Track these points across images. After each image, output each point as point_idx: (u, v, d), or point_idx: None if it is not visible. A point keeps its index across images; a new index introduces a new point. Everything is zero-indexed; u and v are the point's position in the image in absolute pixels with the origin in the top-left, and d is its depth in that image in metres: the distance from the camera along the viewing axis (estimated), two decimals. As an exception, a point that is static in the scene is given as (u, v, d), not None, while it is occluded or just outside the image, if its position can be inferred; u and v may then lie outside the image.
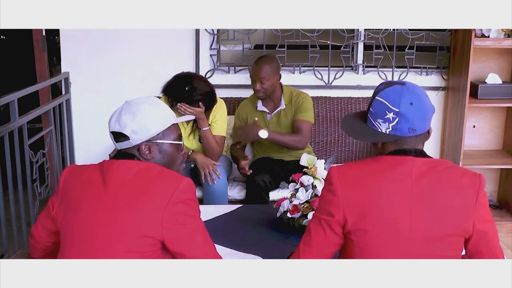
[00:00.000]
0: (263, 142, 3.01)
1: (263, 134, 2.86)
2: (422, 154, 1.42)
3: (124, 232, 1.39)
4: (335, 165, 1.54)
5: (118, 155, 1.54)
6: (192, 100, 2.79)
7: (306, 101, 3.06)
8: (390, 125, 1.39)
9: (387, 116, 1.39)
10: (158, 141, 1.55)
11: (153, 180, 1.44)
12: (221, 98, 3.07)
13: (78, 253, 1.43)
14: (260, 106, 3.09)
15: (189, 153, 2.92)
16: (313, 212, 1.56)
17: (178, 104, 2.79)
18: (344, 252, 1.46)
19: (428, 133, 1.45)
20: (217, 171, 2.86)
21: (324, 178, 2.07)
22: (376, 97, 1.42)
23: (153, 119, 1.54)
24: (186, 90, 2.79)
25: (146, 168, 1.47)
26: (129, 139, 1.51)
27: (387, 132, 1.41)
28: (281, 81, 3.10)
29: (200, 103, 2.81)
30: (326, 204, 1.43)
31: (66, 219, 1.47)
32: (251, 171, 2.94)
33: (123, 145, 1.52)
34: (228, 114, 3.10)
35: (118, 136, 1.52)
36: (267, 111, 3.09)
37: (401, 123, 1.38)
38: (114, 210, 1.41)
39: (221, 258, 1.55)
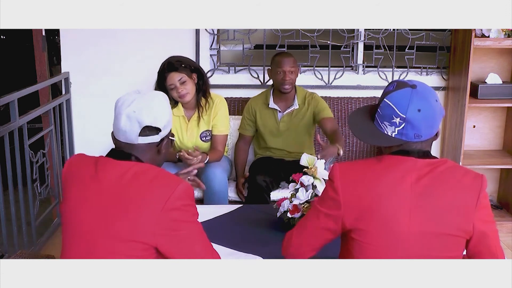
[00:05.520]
0: (266, 142, 3.11)
1: (341, 151, 2.74)
2: (425, 155, 1.41)
3: (119, 236, 1.38)
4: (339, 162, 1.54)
5: (114, 153, 1.49)
6: (179, 68, 2.74)
7: (322, 100, 3.10)
8: (396, 129, 1.39)
9: (394, 120, 1.38)
10: (170, 137, 1.58)
11: (149, 184, 1.40)
12: (224, 99, 3.05)
13: (76, 254, 1.43)
14: (272, 103, 3.08)
15: (179, 154, 2.77)
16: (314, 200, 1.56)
17: (180, 153, 2.71)
18: (344, 250, 1.47)
19: (436, 135, 1.44)
20: (195, 153, 2.76)
21: (324, 178, 2.08)
22: (385, 99, 1.40)
23: (170, 112, 1.56)
24: (167, 61, 2.77)
25: (142, 171, 1.43)
26: (158, 133, 1.50)
27: (393, 136, 1.40)
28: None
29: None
30: (328, 199, 1.43)
31: (64, 216, 1.47)
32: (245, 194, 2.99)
33: (146, 139, 1.48)
34: (229, 114, 3.09)
35: (145, 130, 1.47)
36: (279, 109, 3.09)
37: (407, 129, 1.37)
38: (109, 214, 1.39)
39: (219, 258, 1.54)
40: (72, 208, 1.45)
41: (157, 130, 1.50)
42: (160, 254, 1.42)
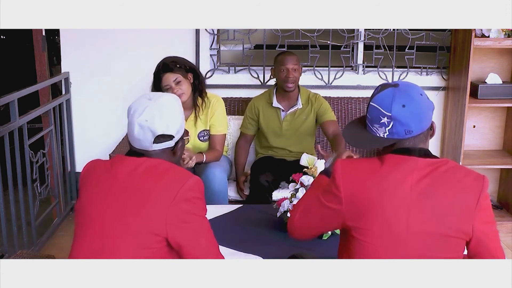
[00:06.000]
0: (268, 141, 3.12)
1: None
2: (426, 154, 1.41)
3: (132, 228, 1.41)
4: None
5: (130, 153, 1.54)
6: (174, 68, 2.74)
7: (325, 101, 3.11)
8: (387, 129, 1.40)
9: (382, 121, 1.40)
10: (184, 137, 1.60)
11: (161, 176, 1.44)
12: (221, 98, 3.05)
13: (89, 246, 1.45)
14: (276, 102, 3.08)
15: None
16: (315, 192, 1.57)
17: None
18: (344, 246, 1.48)
19: (431, 129, 1.45)
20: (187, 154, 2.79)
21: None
22: (370, 103, 1.44)
23: (182, 115, 1.57)
24: (162, 62, 2.76)
25: (155, 165, 1.47)
26: (171, 139, 1.52)
27: (385, 136, 1.42)
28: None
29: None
30: (330, 194, 1.44)
31: (78, 210, 1.50)
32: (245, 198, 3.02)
33: (160, 146, 1.50)
34: (228, 114, 3.09)
35: (158, 137, 1.49)
36: (282, 108, 3.09)
37: (396, 127, 1.39)
38: (123, 206, 1.42)
39: (223, 258, 1.55)
40: (87, 200, 1.49)
41: (170, 137, 1.52)
42: (170, 247, 1.44)
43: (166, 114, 1.49)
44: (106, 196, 1.45)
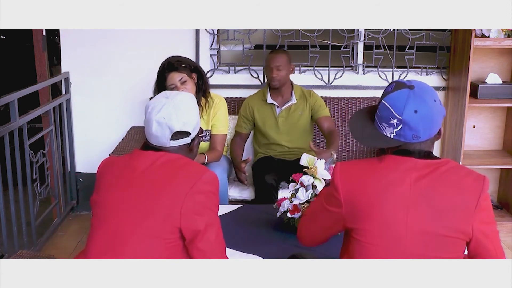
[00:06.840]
0: (267, 138, 3.14)
1: (334, 156, 2.70)
2: (426, 155, 1.40)
3: (147, 218, 1.43)
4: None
5: (147, 148, 1.56)
6: (179, 68, 2.73)
7: (319, 97, 3.17)
8: (394, 130, 1.39)
9: (391, 121, 1.38)
10: (200, 134, 1.64)
11: (179, 169, 1.48)
12: (224, 98, 3.05)
13: (104, 237, 1.47)
14: (270, 99, 3.12)
15: None
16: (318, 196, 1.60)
17: None
18: (345, 248, 1.48)
19: (438, 134, 1.43)
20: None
21: (324, 178, 2.08)
22: (383, 100, 1.41)
23: (198, 113, 1.61)
24: (167, 61, 2.76)
25: (173, 159, 1.51)
26: (188, 136, 1.56)
27: (392, 137, 1.40)
28: None
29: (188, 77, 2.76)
30: (331, 197, 1.45)
31: (96, 202, 1.52)
32: (246, 182, 3.03)
33: (177, 142, 1.55)
34: (228, 114, 3.09)
35: (176, 134, 1.53)
36: (277, 104, 3.12)
37: (405, 130, 1.37)
38: (140, 197, 1.45)
39: (227, 258, 1.55)
40: (105, 193, 1.52)
41: (187, 133, 1.56)
42: (182, 240, 1.46)
43: (183, 112, 1.54)
44: (124, 188, 1.48)
